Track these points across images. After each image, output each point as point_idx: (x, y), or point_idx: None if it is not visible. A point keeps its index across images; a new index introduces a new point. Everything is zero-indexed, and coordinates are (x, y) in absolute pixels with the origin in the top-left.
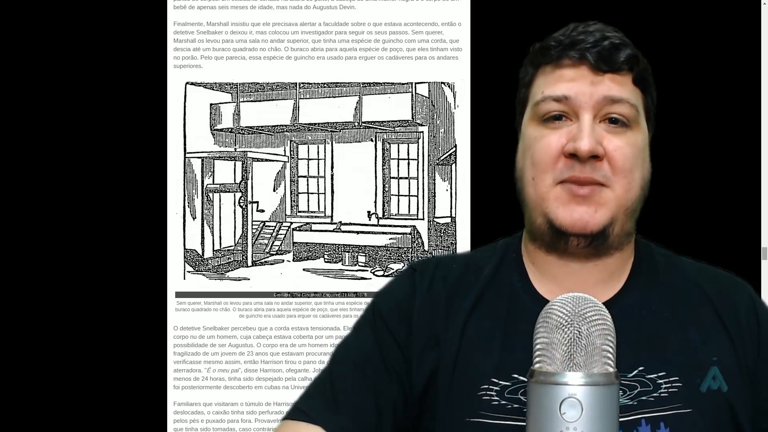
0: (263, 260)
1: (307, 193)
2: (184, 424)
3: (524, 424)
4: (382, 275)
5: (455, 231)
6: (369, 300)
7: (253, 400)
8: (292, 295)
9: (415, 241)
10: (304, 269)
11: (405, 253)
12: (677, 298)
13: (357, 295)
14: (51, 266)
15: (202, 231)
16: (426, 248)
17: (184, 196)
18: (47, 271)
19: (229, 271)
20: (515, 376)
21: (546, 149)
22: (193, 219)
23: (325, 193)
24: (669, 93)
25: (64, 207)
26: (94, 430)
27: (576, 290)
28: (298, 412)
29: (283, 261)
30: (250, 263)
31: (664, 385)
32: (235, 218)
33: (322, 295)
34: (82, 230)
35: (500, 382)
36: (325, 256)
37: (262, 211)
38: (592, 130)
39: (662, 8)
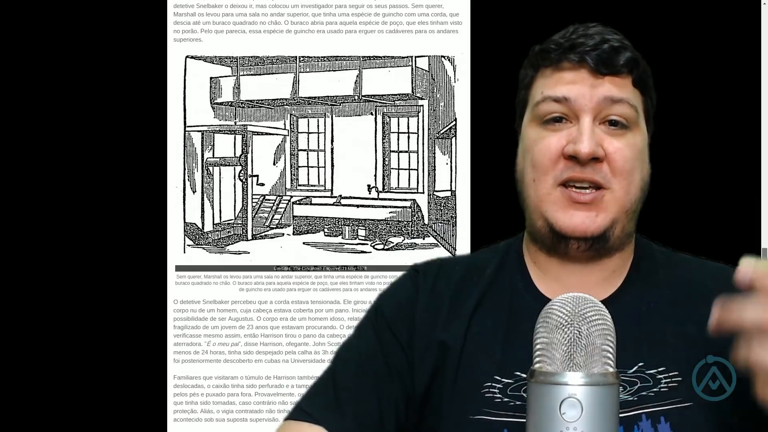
0: (263, 234)
1: (307, 166)
2: (184, 398)
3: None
4: (382, 249)
5: (455, 204)
6: (369, 273)
7: (253, 373)
8: (292, 268)
9: (415, 215)
10: (304, 243)
11: (405, 226)
12: (677, 295)
13: (357, 268)
14: (50, 240)
15: (202, 204)
16: (426, 222)
17: (184, 169)
18: (45, 243)
19: (229, 245)
20: (518, 373)
21: (546, 151)
22: (193, 192)
23: (325, 167)
24: (669, 93)
25: (63, 181)
26: (93, 403)
27: (577, 289)
28: (300, 412)
29: (283, 234)
30: (250, 237)
31: (664, 380)
32: (235, 192)
33: (322, 268)
34: (81, 204)
35: (503, 379)
36: (325, 230)
37: (262, 184)
38: (592, 133)
39: (662, 8)
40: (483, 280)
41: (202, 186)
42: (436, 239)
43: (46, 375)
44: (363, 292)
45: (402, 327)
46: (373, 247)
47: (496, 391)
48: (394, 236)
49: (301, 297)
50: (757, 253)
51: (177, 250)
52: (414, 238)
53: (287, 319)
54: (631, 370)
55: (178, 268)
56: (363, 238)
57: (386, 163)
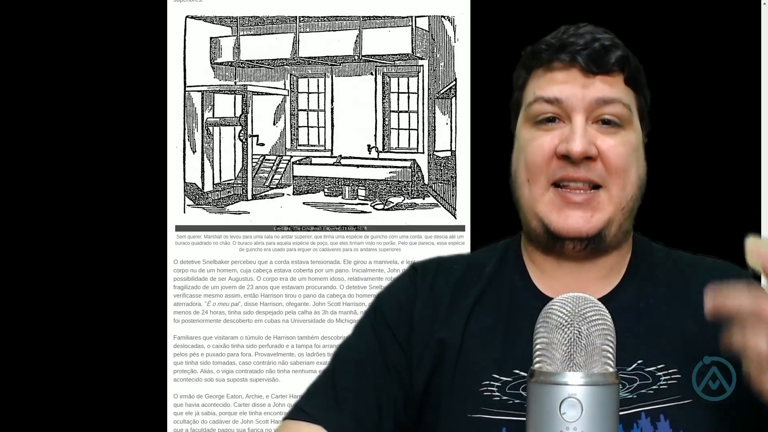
0: (263, 194)
1: (307, 126)
2: (184, 358)
3: (525, 419)
4: (382, 209)
5: (455, 164)
6: (369, 233)
7: (252, 333)
8: (292, 228)
9: (415, 175)
10: (304, 203)
11: (405, 186)
12: (675, 292)
13: (357, 228)
14: (50, 198)
15: (202, 164)
16: (426, 182)
17: (184, 129)
18: (45, 203)
19: (229, 205)
20: (516, 371)
21: (539, 150)
22: (193, 152)
23: (325, 127)
24: (669, 93)
25: (64, 140)
26: (92, 363)
27: (575, 287)
28: (299, 412)
29: (283, 194)
30: (250, 197)
31: (663, 378)
32: (235, 152)
33: (322, 228)
34: (81, 164)
35: (501, 377)
36: (325, 190)
37: (262, 144)
38: (584, 132)
39: (663, 8)
40: (482, 278)
41: (202, 146)
42: (436, 199)
43: (44, 335)
44: (363, 252)
45: (401, 325)
46: (373, 207)
47: (495, 389)
48: (394, 196)
49: (301, 257)
50: None
51: (177, 210)
52: (414, 198)
53: (287, 279)
54: (630, 368)
55: (178, 228)
56: (363, 198)
57: (386, 123)
